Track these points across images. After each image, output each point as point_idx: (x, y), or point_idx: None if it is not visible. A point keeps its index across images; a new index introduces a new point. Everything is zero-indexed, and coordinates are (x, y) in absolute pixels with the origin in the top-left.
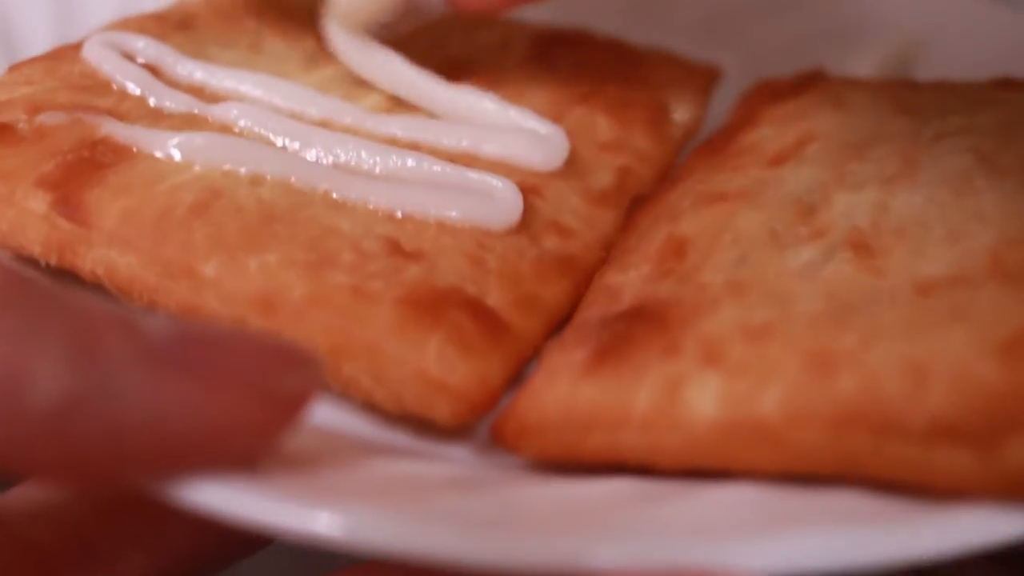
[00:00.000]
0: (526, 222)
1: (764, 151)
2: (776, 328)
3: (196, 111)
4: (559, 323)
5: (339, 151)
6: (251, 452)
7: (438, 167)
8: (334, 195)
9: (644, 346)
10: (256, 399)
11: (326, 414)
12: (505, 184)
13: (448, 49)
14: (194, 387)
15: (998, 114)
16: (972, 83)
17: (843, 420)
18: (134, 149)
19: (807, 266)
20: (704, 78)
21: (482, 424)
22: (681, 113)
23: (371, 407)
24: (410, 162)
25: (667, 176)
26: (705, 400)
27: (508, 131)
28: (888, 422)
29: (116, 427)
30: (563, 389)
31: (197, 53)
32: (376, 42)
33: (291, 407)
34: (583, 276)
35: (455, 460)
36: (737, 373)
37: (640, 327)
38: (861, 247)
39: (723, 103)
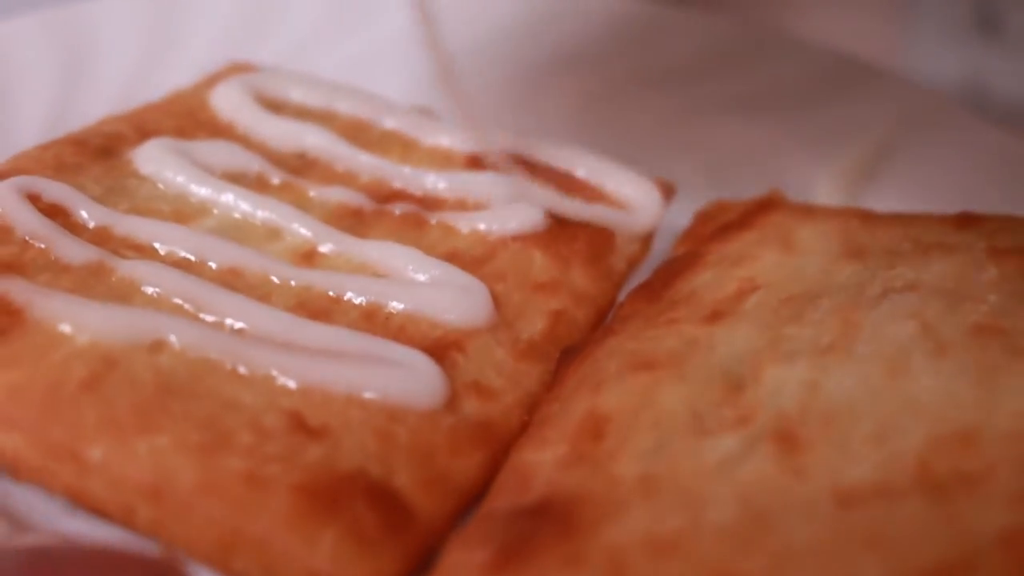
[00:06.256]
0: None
1: (702, 302)
2: (684, 541)
3: (105, 262)
4: (471, 499)
5: (248, 319)
6: None
7: (354, 341)
8: (240, 367)
9: (547, 553)
10: None
11: None
12: (427, 365)
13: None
14: None
15: (949, 264)
16: (929, 218)
17: None
18: (30, 311)
19: (725, 460)
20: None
21: None
22: (628, 239)
23: None
24: (325, 334)
25: (603, 316)
26: None
27: (427, 287)
28: None
29: None
30: None
31: (114, 188)
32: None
33: None
34: (501, 446)
35: None
36: None
37: (545, 528)
38: (785, 439)
39: (677, 214)
